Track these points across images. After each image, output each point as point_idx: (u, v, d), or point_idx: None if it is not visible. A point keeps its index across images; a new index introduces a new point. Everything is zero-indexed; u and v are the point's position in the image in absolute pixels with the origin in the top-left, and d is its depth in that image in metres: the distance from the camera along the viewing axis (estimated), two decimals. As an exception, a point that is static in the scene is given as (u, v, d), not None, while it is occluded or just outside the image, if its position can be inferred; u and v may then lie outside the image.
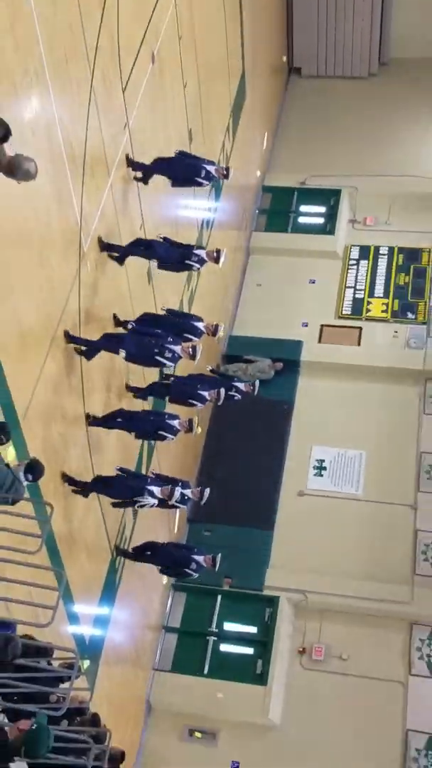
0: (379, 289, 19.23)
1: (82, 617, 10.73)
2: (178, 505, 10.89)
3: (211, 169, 11.16)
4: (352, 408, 17.44)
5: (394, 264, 19.55)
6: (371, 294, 19.18)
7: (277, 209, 20.73)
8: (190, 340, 10.62)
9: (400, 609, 15.00)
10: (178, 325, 10.94)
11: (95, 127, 9.72)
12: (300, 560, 15.49)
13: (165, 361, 9.94)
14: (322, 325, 18.68)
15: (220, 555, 11.34)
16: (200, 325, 11.03)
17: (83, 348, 9.72)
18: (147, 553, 11.84)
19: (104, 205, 10.21)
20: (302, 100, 22.96)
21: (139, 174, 11.11)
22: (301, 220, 20.60)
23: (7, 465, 7.37)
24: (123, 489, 10.26)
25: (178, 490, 10.34)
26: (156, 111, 11.84)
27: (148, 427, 10.67)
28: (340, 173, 20.46)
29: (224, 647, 14.87)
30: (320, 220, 20.48)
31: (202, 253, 10.97)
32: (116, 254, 10.53)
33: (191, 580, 14.98)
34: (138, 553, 11.91)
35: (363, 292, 19.23)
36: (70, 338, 9.41)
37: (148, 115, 11.34)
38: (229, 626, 15.06)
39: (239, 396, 12.66)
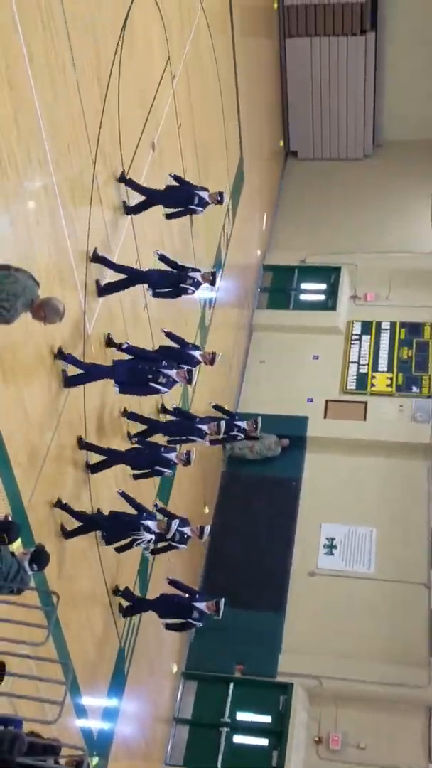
0: (383, 364, 19.27)
1: (89, 710, 10.36)
2: (176, 545, 10.39)
3: (205, 195, 10.93)
4: (361, 483, 17.25)
5: (396, 338, 19.65)
6: (375, 368, 19.20)
7: (278, 287, 20.98)
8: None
9: (417, 693, 14.54)
10: (173, 353, 10.55)
11: (98, 214, 9.84)
12: (313, 644, 15.07)
13: (159, 387, 9.41)
14: (327, 401, 18.65)
15: (223, 600, 10.85)
16: (197, 353, 10.67)
17: (68, 377, 9.08)
18: (145, 606, 11.34)
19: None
20: (300, 181, 23.47)
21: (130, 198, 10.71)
22: (303, 297, 20.83)
23: (12, 553, 7.19)
24: (118, 525, 9.71)
25: (175, 523, 9.89)
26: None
27: (143, 461, 10.23)
28: (339, 251, 20.76)
29: (238, 738, 14.36)
30: (321, 297, 20.68)
31: (197, 275, 10.51)
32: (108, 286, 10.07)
33: (202, 667, 14.77)
34: (139, 607, 11.41)
35: (367, 366, 19.25)
36: (60, 356, 8.88)
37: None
38: (242, 716, 14.57)
39: (242, 435, 12.20)
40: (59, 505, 9.21)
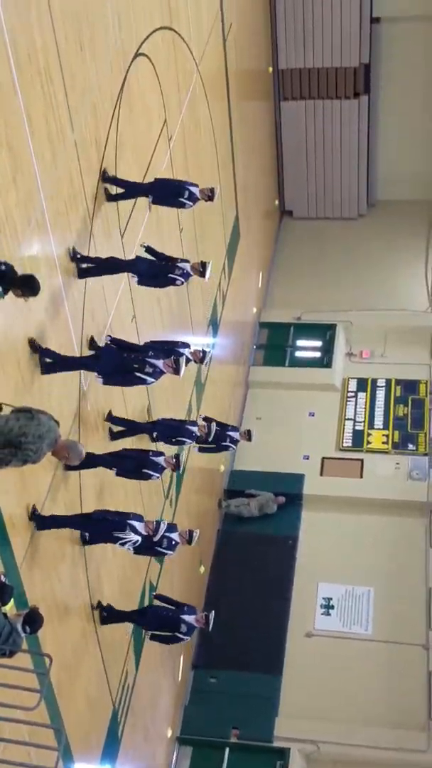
0: (379, 421, 19.24)
1: (82, 777, 10.07)
2: (162, 550, 10.01)
3: (195, 190, 10.59)
4: (358, 542, 17.07)
5: (392, 395, 19.66)
6: (371, 426, 19.16)
7: (274, 344, 21.06)
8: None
9: (417, 758, 14.20)
10: (161, 347, 10.23)
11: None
12: (310, 707, 14.74)
13: (145, 377, 9.07)
14: (323, 458, 18.57)
15: (213, 612, 10.52)
16: (186, 351, 10.40)
17: (48, 360, 8.50)
18: (132, 617, 10.90)
19: (104, 346, 10.29)
20: (295, 240, 23.74)
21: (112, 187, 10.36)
22: (298, 354, 20.91)
23: (5, 614, 7.07)
24: (102, 524, 9.23)
25: (163, 525, 9.50)
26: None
27: (129, 464, 9.82)
28: (334, 308, 20.91)
29: (234, 808, 13.96)
30: (317, 354, 20.76)
31: (186, 266, 10.16)
32: (92, 265, 9.59)
33: (198, 732, 14.40)
34: (122, 617, 10.92)
35: (363, 424, 19.22)
36: (37, 350, 8.38)
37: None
38: (238, 783, 14.18)
39: (233, 446, 11.93)
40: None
